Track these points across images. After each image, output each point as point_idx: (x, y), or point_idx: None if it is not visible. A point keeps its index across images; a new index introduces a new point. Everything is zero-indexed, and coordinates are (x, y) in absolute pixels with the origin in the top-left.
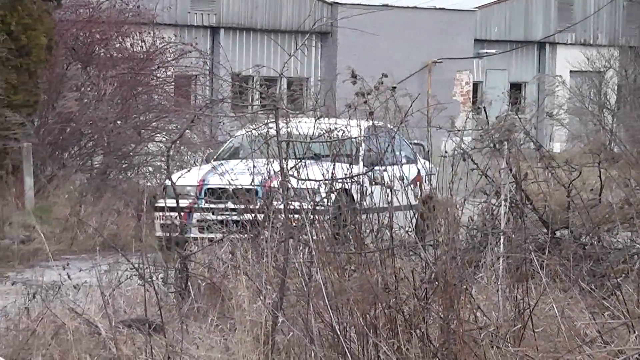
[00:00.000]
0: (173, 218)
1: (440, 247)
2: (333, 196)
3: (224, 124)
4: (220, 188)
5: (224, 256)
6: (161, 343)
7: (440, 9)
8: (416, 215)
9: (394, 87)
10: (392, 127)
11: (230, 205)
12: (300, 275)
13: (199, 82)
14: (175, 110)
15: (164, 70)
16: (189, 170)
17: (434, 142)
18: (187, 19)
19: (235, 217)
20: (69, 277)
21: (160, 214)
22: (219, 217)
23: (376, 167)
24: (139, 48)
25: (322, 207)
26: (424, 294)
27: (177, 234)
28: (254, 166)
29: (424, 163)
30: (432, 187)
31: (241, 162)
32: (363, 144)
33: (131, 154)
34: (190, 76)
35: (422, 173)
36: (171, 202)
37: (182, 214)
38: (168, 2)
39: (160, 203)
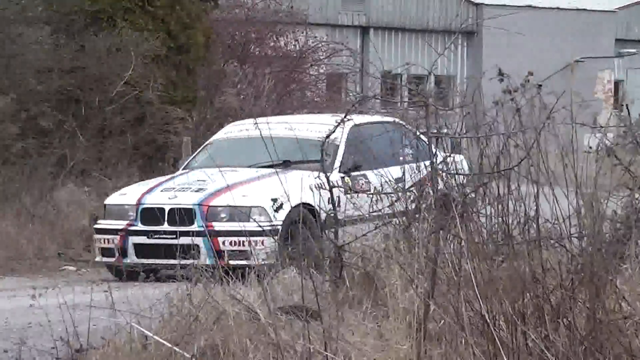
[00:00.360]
0: (112, 242)
1: (586, 240)
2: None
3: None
4: (157, 207)
5: (377, 246)
6: (318, 329)
7: (582, 9)
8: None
9: (540, 85)
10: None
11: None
12: (451, 265)
13: (349, 80)
14: (327, 106)
15: (316, 68)
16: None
17: (578, 138)
18: (338, 19)
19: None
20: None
21: (100, 236)
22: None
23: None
24: (293, 47)
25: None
26: (570, 284)
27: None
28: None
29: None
30: (450, 187)
31: (200, 174)
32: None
33: None
34: (341, 74)
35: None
36: (111, 224)
37: (118, 237)
38: (320, 3)
39: (101, 224)
